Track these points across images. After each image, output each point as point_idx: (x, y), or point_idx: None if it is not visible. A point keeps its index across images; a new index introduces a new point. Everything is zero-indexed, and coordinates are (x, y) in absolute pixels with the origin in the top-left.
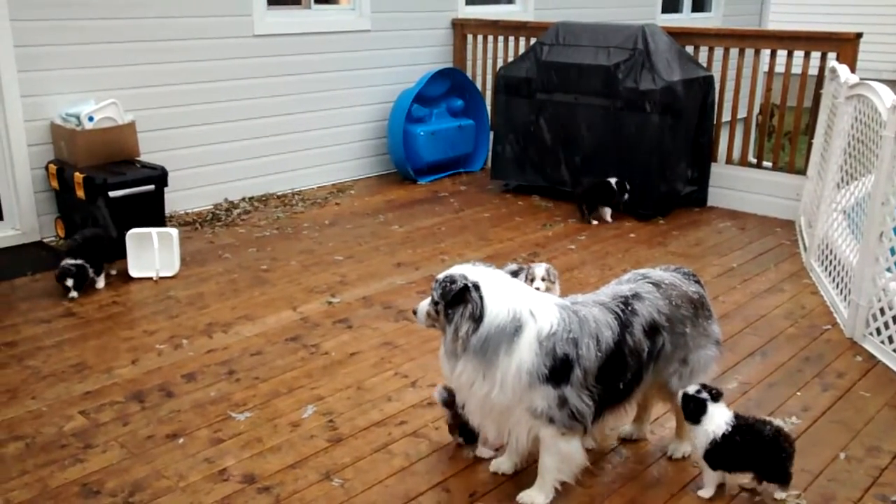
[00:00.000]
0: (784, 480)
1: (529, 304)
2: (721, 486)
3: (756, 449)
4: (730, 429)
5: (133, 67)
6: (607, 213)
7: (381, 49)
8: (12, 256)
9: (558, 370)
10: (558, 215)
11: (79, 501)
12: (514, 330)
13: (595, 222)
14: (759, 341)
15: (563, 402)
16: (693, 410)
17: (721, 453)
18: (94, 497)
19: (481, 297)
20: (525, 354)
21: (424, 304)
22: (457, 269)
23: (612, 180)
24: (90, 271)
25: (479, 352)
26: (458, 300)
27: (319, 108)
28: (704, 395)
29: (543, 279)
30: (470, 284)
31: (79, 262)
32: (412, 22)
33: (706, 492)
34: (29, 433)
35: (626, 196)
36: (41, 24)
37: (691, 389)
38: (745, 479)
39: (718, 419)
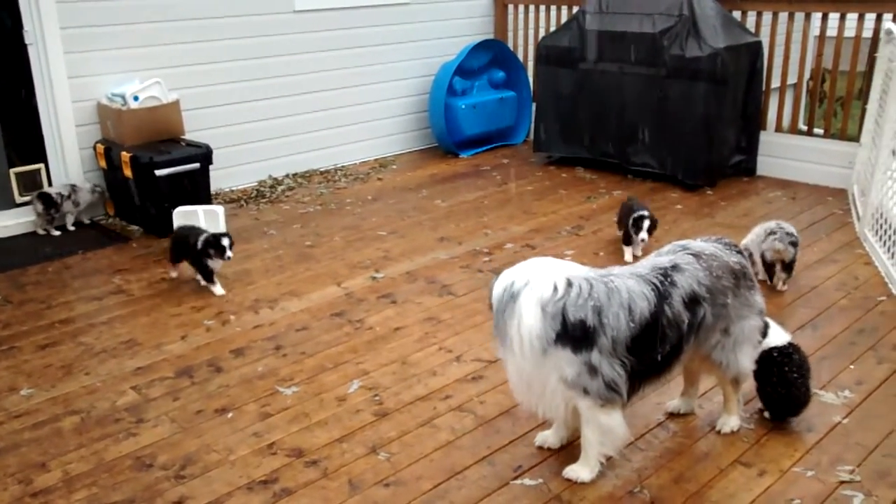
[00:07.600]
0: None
1: (528, 274)
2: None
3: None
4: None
5: (176, 46)
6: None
7: (420, 22)
8: (64, 235)
9: (575, 336)
10: (603, 187)
11: (133, 474)
12: (510, 297)
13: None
14: (810, 313)
15: (593, 370)
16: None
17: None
18: (147, 470)
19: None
20: (527, 319)
21: None
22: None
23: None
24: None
25: (495, 326)
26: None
27: (360, 83)
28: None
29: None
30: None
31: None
32: None
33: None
34: (84, 408)
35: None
36: (85, 5)
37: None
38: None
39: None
